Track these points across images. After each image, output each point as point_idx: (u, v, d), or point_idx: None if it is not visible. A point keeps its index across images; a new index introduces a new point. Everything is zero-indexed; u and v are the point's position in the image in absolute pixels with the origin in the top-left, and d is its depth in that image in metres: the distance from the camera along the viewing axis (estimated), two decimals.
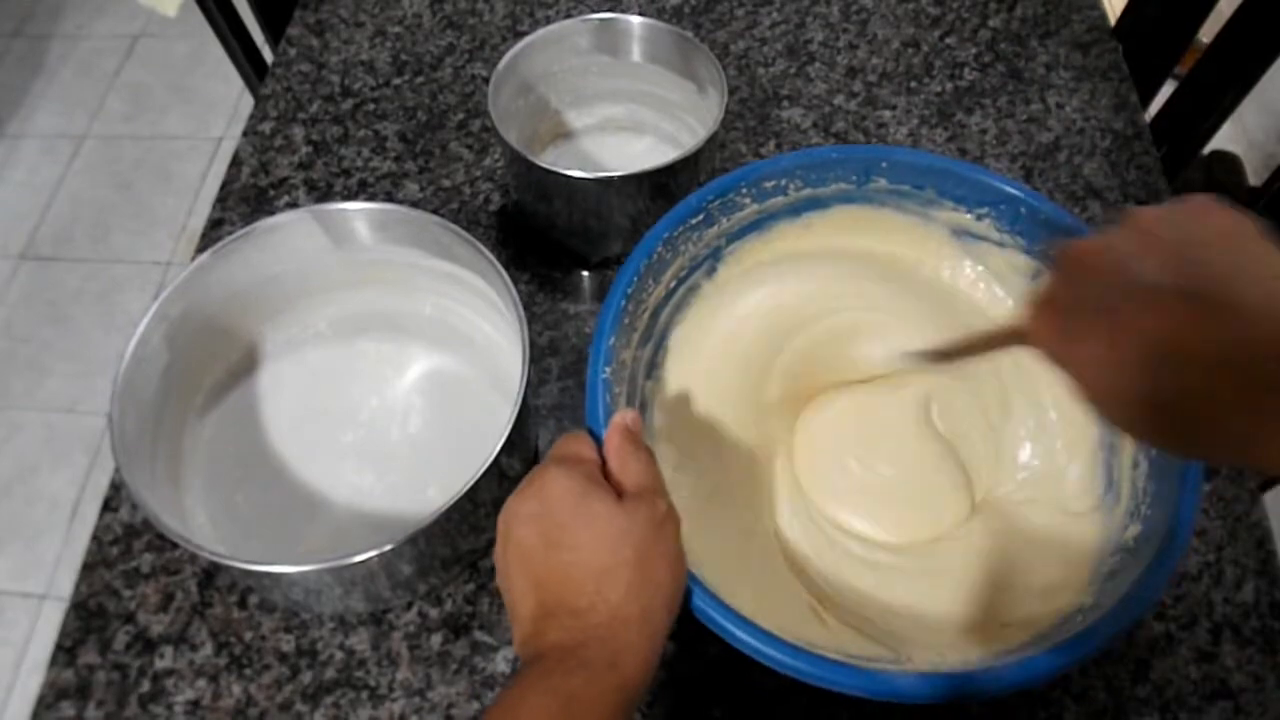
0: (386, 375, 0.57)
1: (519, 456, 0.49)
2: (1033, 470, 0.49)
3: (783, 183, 0.52)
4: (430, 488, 0.53)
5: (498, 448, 0.44)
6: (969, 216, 0.52)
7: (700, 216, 0.51)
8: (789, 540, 0.48)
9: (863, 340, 0.52)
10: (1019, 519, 0.48)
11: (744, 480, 0.50)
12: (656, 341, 0.52)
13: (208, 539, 0.49)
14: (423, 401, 0.56)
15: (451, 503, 0.42)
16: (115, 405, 0.45)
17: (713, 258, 0.53)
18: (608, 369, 0.45)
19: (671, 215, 0.50)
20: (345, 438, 0.55)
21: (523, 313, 0.47)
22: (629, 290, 0.47)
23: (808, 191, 0.53)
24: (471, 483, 0.43)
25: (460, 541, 0.48)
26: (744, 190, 0.51)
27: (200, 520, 0.50)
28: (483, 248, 0.49)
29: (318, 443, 0.55)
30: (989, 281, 0.54)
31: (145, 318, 0.48)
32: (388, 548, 0.41)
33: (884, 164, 0.52)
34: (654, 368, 0.52)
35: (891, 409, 0.52)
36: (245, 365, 0.56)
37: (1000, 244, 0.52)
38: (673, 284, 0.52)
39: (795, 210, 0.54)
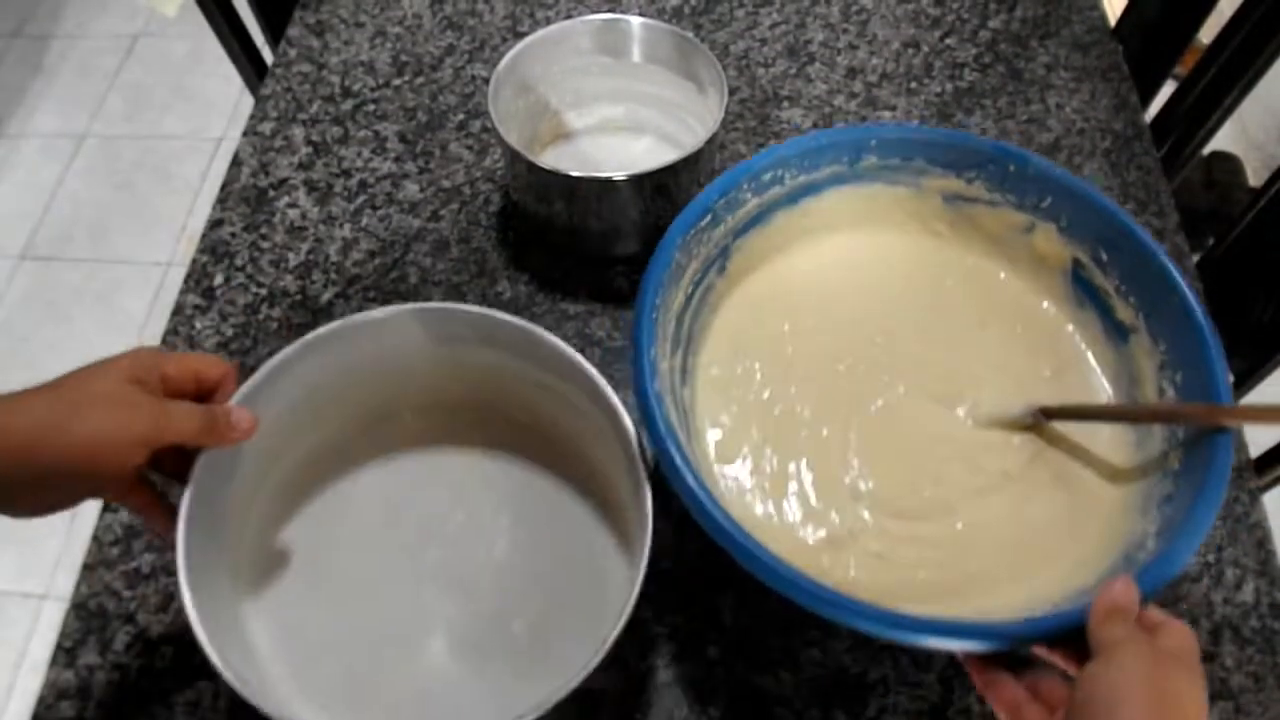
0: (473, 486, 0.54)
1: (638, 634, 0.46)
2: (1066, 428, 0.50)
3: (779, 173, 0.53)
4: (515, 621, 0.49)
5: (615, 632, 0.38)
6: (959, 181, 0.54)
7: (708, 218, 0.51)
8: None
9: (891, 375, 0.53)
10: (1053, 478, 0.48)
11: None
12: (684, 348, 0.52)
13: (265, 658, 0.46)
14: (511, 519, 0.53)
15: (560, 698, 0.37)
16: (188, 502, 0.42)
17: (722, 256, 0.54)
18: (656, 382, 0.44)
19: (681, 221, 0.50)
20: (427, 555, 0.52)
21: (633, 431, 0.44)
22: (657, 302, 0.47)
23: (803, 178, 0.54)
24: (584, 675, 0.37)
25: None
26: (745, 186, 0.52)
27: (254, 629, 0.48)
28: (588, 366, 0.46)
29: (397, 560, 0.51)
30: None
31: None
32: None
33: (873, 142, 0.54)
34: (685, 373, 0.52)
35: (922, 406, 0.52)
36: (324, 464, 0.53)
37: (992, 203, 0.54)
38: (690, 288, 0.52)
39: (793, 198, 0.55)
